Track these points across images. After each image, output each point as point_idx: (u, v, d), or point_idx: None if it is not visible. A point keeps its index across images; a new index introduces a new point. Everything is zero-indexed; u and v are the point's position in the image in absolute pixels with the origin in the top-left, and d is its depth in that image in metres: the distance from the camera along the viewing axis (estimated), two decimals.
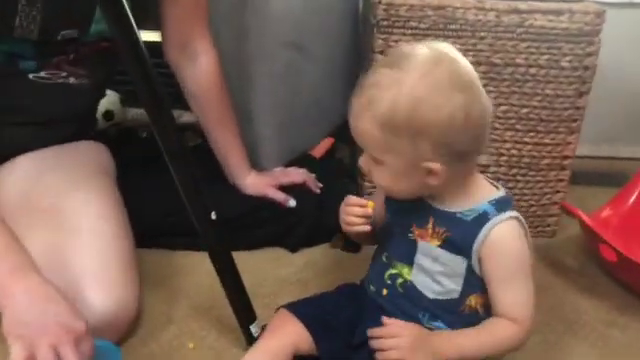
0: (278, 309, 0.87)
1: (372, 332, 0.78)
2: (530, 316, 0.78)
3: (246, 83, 1.22)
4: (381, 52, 1.10)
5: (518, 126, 1.16)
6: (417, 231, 0.80)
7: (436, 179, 0.74)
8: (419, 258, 0.80)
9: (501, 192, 0.80)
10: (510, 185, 1.19)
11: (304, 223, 1.18)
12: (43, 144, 1.00)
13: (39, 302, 0.73)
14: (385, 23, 1.08)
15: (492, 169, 1.19)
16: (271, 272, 1.09)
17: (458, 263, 0.78)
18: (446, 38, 1.07)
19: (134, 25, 0.72)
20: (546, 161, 1.18)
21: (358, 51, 1.35)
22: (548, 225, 1.24)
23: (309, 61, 1.26)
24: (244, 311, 0.89)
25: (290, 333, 0.82)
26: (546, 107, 1.13)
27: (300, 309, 0.85)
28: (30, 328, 0.71)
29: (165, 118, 0.80)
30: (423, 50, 0.73)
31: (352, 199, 0.83)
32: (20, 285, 0.74)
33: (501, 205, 0.77)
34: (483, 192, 0.79)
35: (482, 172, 1.20)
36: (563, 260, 1.17)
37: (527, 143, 1.17)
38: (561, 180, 1.20)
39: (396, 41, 1.09)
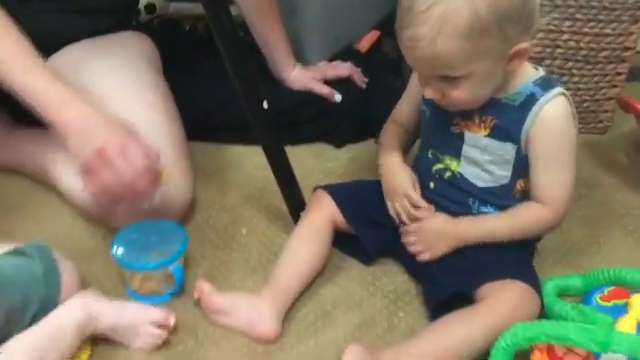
0: (315, 189, 0.91)
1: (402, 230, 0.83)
2: (564, 201, 0.79)
3: None
4: None
5: (578, 15, 1.09)
6: (462, 123, 0.80)
7: (522, 60, 0.74)
8: (466, 150, 0.81)
9: (541, 72, 0.79)
10: (564, 79, 1.15)
11: (349, 119, 1.17)
12: (86, 34, 1.00)
13: (94, 125, 0.79)
14: None
15: (547, 62, 1.14)
16: (317, 166, 1.11)
17: (507, 150, 0.78)
18: None
19: None
20: (605, 53, 1.13)
21: None
22: (601, 121, 1.21)
23: None
24: (295, 199, 0.92)
25: (326, 209, 0.87)
26: None
27: (334, 189, 0.90)
28: (93, 144, 0.78)
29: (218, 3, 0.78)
30: None
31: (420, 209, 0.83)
32: (73, 112, 0.80)
33: (546, 83, 0.77)
34: (524, 74, 0.78)
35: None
36: (614, 156, 1.15)
37: (586, 34, 1.11)
38: (619, 74, 1.15)
39: None
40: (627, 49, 1.12)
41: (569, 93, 1.17)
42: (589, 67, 1.14)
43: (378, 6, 1.31)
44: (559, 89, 0.77)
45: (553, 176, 0.78)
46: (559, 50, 1.13)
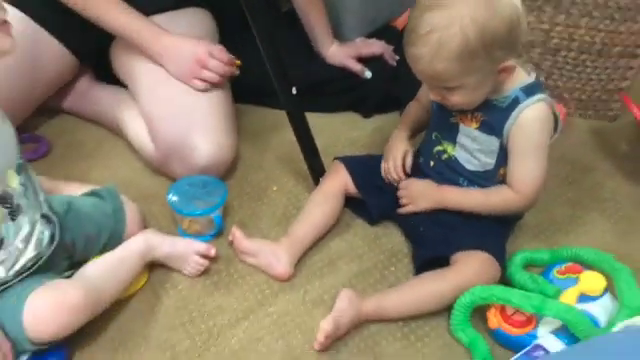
0: (334, 160, 1.08)
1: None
2: (532, 190, 0.92)
3: None
4: None
5: (595, 13, 1.18)
6: (459, 116, 0.95)
7: (509, 74, 0.87)
8: (460, 138, 0.95)
9: (531, 78, 0.91)
10: (578, 70, 1.25)
11: (378, 93, 1.31)
12: (154, 8, 1.16)
13: (182, 45, 1.10)
14: None
15: (562, 53, 1.24)
16: (343, 134, 1.27)
17: (492, 142, 0.93)
18: None
19: None
20: (618, 49, 1.21)
21: None
22: (611, 109, 1.30)
23: None
24: (316, 166, 1.10)
25: (340, 177, 1.05)
26: None
27: (349, 161, 1.07)
28: (188, 57, 1.08)
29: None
30: None
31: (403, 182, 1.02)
32: (165, 40, 1.09)
33: (530, 90, 0.90)
34: (516, 79, 0.90)
35: (552, 56, 1.27)
36: (617, 145, 1.24)
37: (601, 30, 1.19)
38: (631, 68, 1.23)
39: None
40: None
41: (581, 84, 1.27)
42: (602, 60, 1.23)
43: None
44: (540, 95, 0.89)
45: (525, 169, 0.92)
46: (575, 43, 1.22)
